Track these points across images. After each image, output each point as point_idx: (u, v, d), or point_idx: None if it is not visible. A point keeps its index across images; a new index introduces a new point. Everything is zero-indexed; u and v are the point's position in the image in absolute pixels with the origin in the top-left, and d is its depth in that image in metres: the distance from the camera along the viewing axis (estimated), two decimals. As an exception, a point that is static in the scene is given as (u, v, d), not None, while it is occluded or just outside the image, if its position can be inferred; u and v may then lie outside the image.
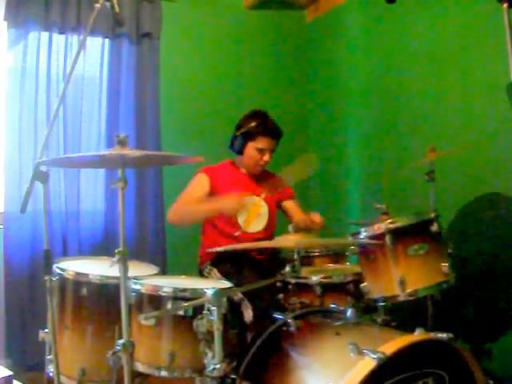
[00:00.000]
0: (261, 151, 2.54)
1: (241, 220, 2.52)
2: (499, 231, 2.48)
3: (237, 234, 2.50)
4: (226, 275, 2.27)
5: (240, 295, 2.07)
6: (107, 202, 3.20)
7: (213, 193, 2.53)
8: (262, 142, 2.52)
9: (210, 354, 1.57)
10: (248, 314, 2.05)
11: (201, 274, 2.51)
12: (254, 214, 2.59)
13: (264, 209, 2.63)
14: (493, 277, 2.50)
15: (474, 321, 2.55)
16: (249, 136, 2.52)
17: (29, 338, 2.82)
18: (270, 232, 2.61)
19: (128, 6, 3.19)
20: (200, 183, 2.55)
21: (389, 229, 1.97)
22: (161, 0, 3.36)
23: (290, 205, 2.75)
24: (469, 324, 2.55)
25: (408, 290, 1.94)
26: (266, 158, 2.56)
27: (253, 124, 2.52)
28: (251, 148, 2.54)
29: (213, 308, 1.54)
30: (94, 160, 1.79)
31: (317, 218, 2.48)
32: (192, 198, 2.49)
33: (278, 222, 2.69)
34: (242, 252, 2.45)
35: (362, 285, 2.09)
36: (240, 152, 2.57)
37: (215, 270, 2.42)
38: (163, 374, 1.69)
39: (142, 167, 3.03)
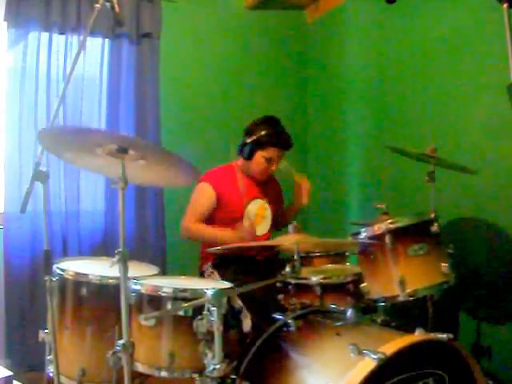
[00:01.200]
0: (269, 161, 2.52)
1: (246, 224, 2.51)
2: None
3: None
4: (227, 278, 2.26)
5: (240, 304, 2.08)
6: (107, 201, 3.20)
7: (219, 200, 2.51)
8: (271, 152, 2.50)
9: (209, 355, 1.57)
10: (247, 324, 2.05)
11: (202, 275, 2.50)
12: (259, 217, 2.60)
13: (268, 212, 2.64)
14: (493, 275, 2.50)
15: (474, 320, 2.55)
16: (259, 145, 2.49)
17: (29, 338, 2.82)
18: (272, 235, 2.62)
19: (128, 6, 3.18)
20: (205, 196, 2.51)
21: (389, 229, 1.97)
22: (161, 0, 3.36)
23: None
24: (469, 324, 2.55)
25: (408, 291, 1.94)
26: (273, 167, 2.55)
27: (264, 132, 2.49)
28: (259, 156, 2.52)
29: (213, 308, 1.54)
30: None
31: None
32: (200, 214, 2.48)
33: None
34: (244, 255, 2.45)
35: (361, 285, 2.08)
36: (248, 158, 2.54)
37: (216, 273, 2.42)
38: (163, 374, 1.70)
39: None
